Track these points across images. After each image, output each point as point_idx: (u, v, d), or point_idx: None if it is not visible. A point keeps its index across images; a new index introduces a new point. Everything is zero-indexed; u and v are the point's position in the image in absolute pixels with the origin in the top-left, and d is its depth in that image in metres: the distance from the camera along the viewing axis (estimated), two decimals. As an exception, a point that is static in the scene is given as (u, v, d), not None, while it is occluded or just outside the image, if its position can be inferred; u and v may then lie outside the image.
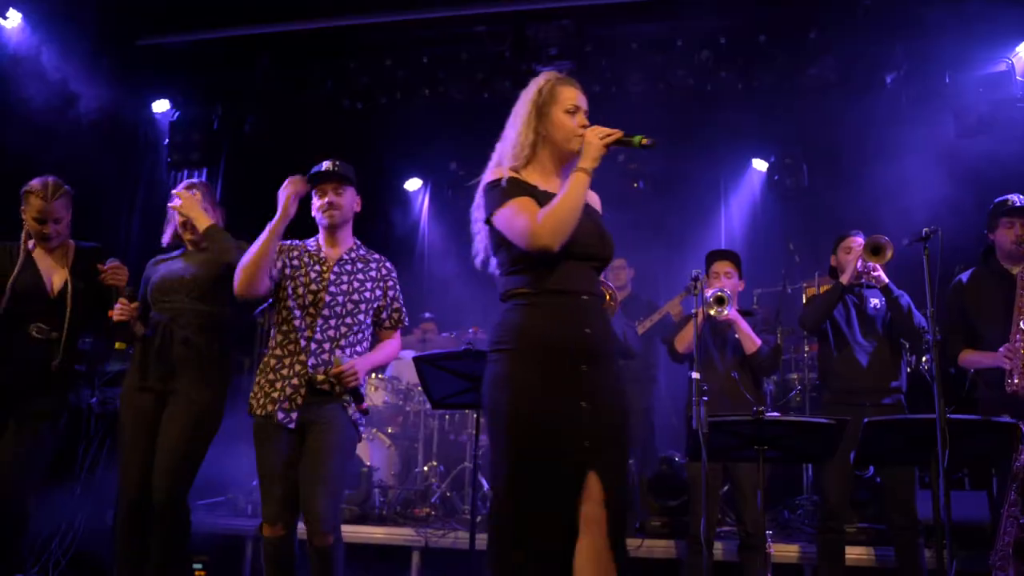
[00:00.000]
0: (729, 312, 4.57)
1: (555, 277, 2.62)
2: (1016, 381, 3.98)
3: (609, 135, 2.66)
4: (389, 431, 6.62)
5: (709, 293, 4.59)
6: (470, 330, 6.72)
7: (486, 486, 6.33)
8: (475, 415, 4.26)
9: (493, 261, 2.80)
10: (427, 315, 7.80)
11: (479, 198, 2.78)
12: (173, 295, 3.90)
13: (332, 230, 3.75)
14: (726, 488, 4.90)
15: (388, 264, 3.86)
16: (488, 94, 7.68)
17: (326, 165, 3.72)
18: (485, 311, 7.63)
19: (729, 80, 7.29)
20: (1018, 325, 4.00)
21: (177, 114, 8.07)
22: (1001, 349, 4.06)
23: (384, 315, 3.78)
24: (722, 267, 4.80)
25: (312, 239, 3.81)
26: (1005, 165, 5.87)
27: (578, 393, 2.55)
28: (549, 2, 6.91)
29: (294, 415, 3.48)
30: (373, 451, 6.27)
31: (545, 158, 2.81)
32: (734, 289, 4.74)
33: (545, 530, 2.47)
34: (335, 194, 3.70)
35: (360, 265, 3.75)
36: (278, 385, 3.52)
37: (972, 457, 4.22)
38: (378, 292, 3.75)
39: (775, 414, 3.87)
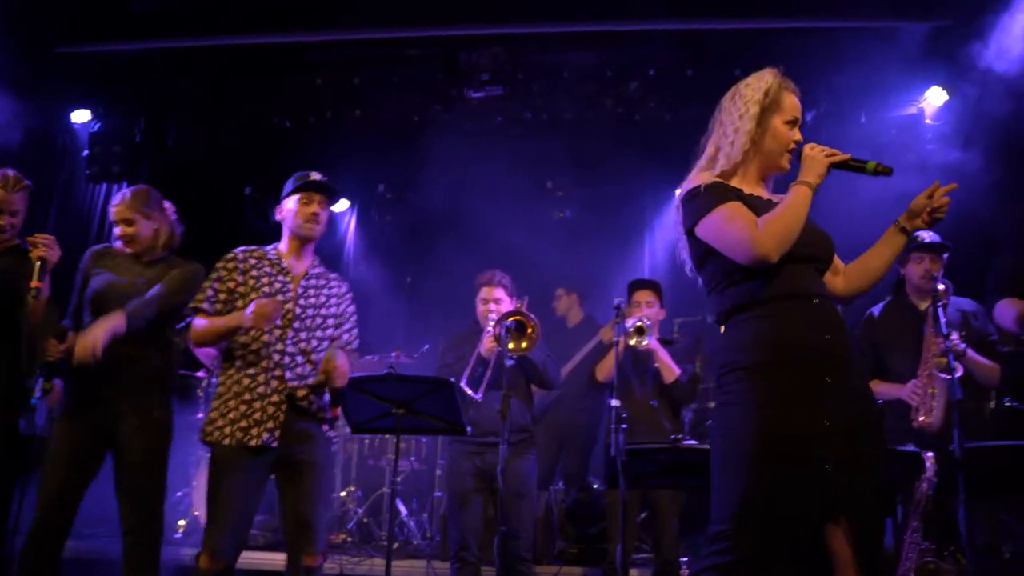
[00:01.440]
0: (649, 341, 4.63)
1: (781, 281, 2.42)
2: (922, 418, 4.10)
3: (834, 155, 2.51)
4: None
5: (630, 323, 4.63)
6: (392, 353, 6.66)
7: (403, 512, 6.26)
8: (395, 440, 4.20)
9: (699, 280, 2.63)
10: (348, 338, 7.71)
11: (677, 208, 2.63)
12: (117, 308, 3.60)
13: (304, 243, 3.63)
14: (644, 515, 4.93)
15: (346, 284, 3.80)
16: (418, 117, 7.67)
17: (316, 175, 3.61)
18: (408, 335, 7.59)
19: (657, 111, 7.43)
20: (926, 363, 4.13)
21: (98, 125, 7.85)
22: (909, 385, 4.18)
23: (339, 332, 3.68)
24: (644, 296, 4.87)
25: (271, 247, 3.66)
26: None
27: (822, 408, 2.31)
28: (482, 28, 6.94)
29: (277, 434, 3.34)
30: (290, 475, 6.14)
31: (753, 168, 2.63)
32: (655, 318, 4.80)
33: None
34: (322, 207, 3.60)
35: (323, 281, 3.67)
36: (257, 405, 3.35)
37: (879, 485, 4.33)
38: (339, 308, 3.69)
39: (692, 442, 3.92)
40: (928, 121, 6.73)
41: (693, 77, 7.16)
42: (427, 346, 7.06)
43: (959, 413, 3.79)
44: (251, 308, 3.30)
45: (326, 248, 9.28)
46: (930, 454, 3.95)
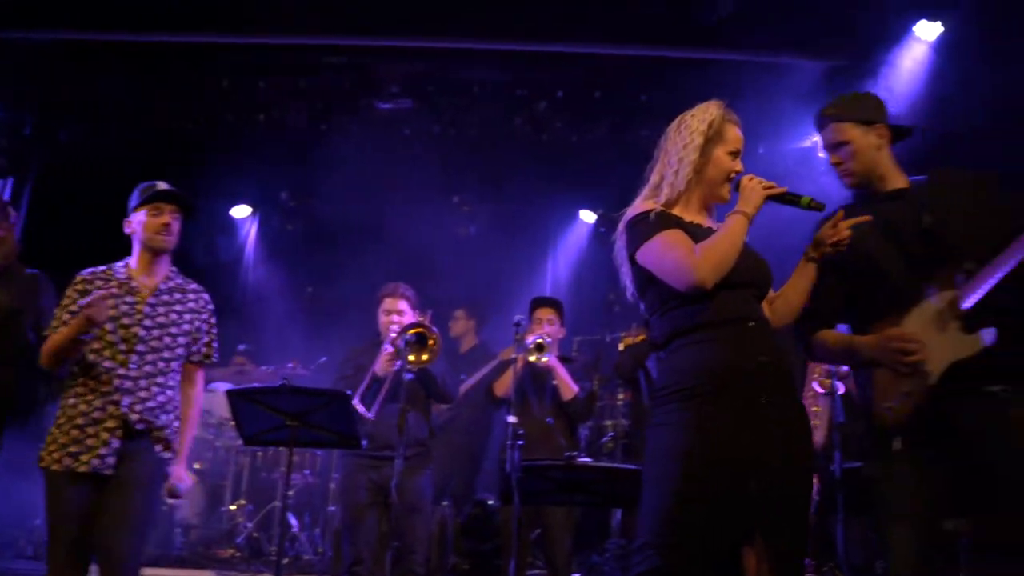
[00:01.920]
0: (549, 358, 4.66)
1: (718, 307, 2.44)
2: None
3: (771, 187, 2.52)
4: (196, 467, 6.30)
5: (530, 339, 4.66)
6: (288, 364, 6.53)
7: (295, 526, 6.13)
8: (289, 452, 4.11)
9: (642, 305, 2.62)
10: (242, 347, 7.52)
11: (621, 234, 2.62)
12: None
13: (156, 255, 3.47)
14: (537, 532, 4.95)
15: (206, 296, 3.62)
16: (325, 126, 7.58)
17: (163, 185, 3.44)
18: (307, 347, 7.45)
19: (564, 132, 7.54)
20: (810, 385, 4.29)
21: (-15, 118, 7.48)
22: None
23: (195, 348, 3.53)
24: (545, 314, 4.90)
25: (121, 263, 3.49)
26: (804, 233, 6.33)
27: (754, 432, 2.33)
28: (394, 40, 6.92)
29: (111, 460, 3.18)
30: (177, 488, 5.93)
31: (695, 197, 2.63)
32: (555, 336, 4.85)
33: None
34: (173, 217, 3.43)
35: (178, 295, 3.50)
36: (90, 431, 3.19)
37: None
38: (196, 324, 3.52)
39: (587, 460, 3.96)
40: (821, 154, 7.04)
41: (600, 100, 7.29)
42: (324, 358, 6.94)
43: (840, 434, 3.94)
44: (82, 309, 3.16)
45: (224, 254, 9.14)
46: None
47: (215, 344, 3.62)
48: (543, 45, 6.81)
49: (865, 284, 2.62)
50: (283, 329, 7.81)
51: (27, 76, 7.27)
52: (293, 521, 6.16)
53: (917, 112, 6.08)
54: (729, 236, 2.46)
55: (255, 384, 5.20)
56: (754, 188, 2.52)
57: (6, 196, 7.58)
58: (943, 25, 6.00)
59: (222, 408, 6.15)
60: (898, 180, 2.67)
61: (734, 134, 2.65)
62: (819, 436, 4.22)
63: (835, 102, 2.75)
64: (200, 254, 8.42)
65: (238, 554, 5.66)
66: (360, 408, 4.20)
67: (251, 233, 9.43)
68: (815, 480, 4.17)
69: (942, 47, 6.06)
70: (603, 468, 3.99)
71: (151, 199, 3.42)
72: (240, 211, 9.27)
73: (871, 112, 2.72)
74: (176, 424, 3.42)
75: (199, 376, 3.59)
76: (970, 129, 5.82)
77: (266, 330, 8.09)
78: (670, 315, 2.50)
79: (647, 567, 2.27)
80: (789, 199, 2.53)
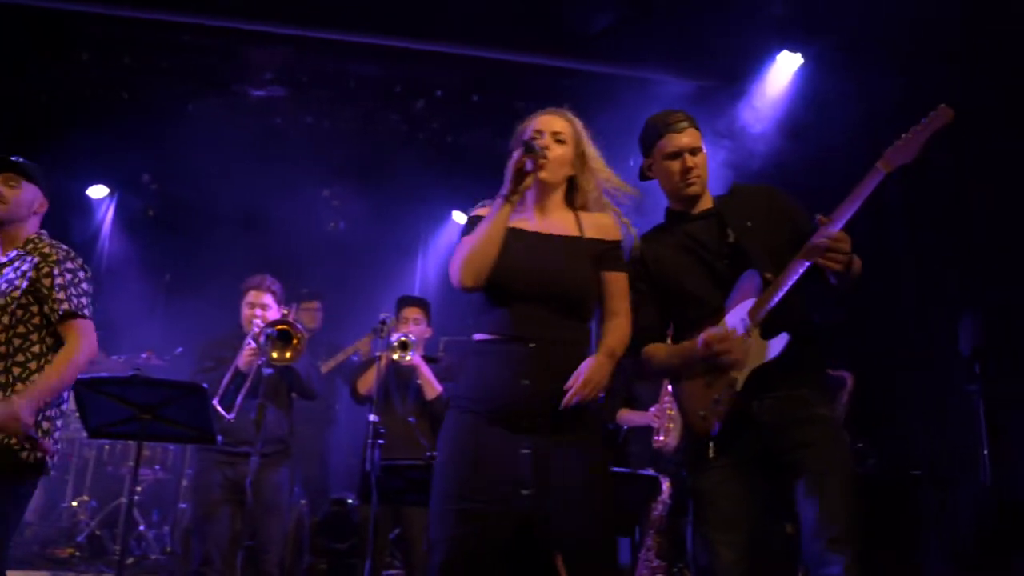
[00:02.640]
0: (413, 357, 4.66)
1: (496, 320, 2.44)
2: (662, 439, 4.43)
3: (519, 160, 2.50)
4: (35, 459, 5.95)
5: (394, 337, 4.65)
6: (143, 354, 6.27)
7: (142, 525, 5.89)
8: (138, 446, 3.95)
9: None
10: (93, 334, 7.16)
11: None
12: None
13: None
14: (396, 531, 4.93)
15: (47, 251, 3.22)
16: (192, 108, 7.31)
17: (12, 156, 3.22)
18: (163, 336, 7.18)
19: (439, 131, 7.54)
20: (666, 389, 4.45)
21: None
22: (652, 409, 4.50)
23: (56, 304, 3.13)
24: (411, 313, 4.90)
25: None
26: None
27: (514, 465, 2.34)
28: (270, 26, 6.73)
29: None
30: (12, 481, 5.59)
31: (529, 198, 2.65)
32: (420, 335, 4.85)
33: None
34: (8, 185, 3.18)
35: (17, 264, 3.19)
36: None
37: (620, 505, 4.60)
38: (36, 285, 3.14)
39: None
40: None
41: (478, 103, 7.33)
42: (180, 349, 6.70)
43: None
44: None
45: (78, 235, 8.69)
46: (666, 478, 4.26)
47: (76, 298, 3.21)
48: (423, 44, 6.79)
49: (675, 301, 2.70)
50: (138, 317, 7.48)
51: None
52: (140, 519, 5.92)
53: (779, 135, 6.41)
54: (483, 227, 2.47)
55: (104, 373, 4.96)
56: (509, 167, 2.52)
57: None
58: (803, 57, 6.36)
59: (67, 397, 5.84)
60: (707, 202, 2.76)
61: (532, 125, 2.69)
62: (672, 440, 4.38)
63: (686, 113, 2.78)
64: (51, 234, 7.96)
65: (78, 554, 5.39)
66: (219, 409, 4.08)
67: (108, 215, 8.99)
68: (665, 483, 4.34)
69: (802, 77, 6.42)
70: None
71: None
72: (97, 191, 8.84)
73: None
74: (49, 411, 3.12)
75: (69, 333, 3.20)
76: (827, 152, 6.20)
77: (120, 317, 7.72)
78: (474, 322, 2.55)
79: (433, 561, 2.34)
80: (528, 157, 2.51)
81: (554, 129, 2.64)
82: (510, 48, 6.82)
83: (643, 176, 2.86)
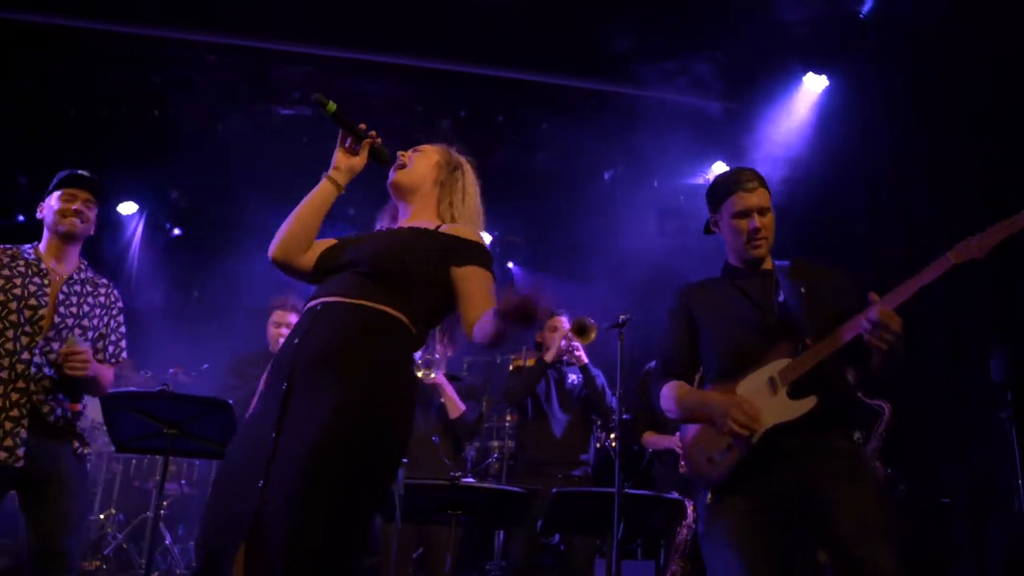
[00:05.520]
0: (436, 375, 4.67)
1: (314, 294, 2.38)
2: (687, 464, 4.39)
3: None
4: (63, 473, 6.02)
5: (417, 355, 4.66)
6: (170, 370, 6.32)
7: (168, 539, 5.92)
8: (164, 461, 3.98)
9: None
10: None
11: None
12: None
13: (67, 240, 3.32)
14: (419, 550, 4.93)
15: (116, 291, 3.49)
16: (221, 126, 7.41)
17: (83, 173, 3.36)
18: (191, 352, 7.23)
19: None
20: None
21: None
22: (678, 434, 4.47)
23: (101, 344, 3.38)
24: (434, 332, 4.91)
25: (29, 246, 3.33)
26: (696, 266, 6.56)
27: (272, 422, 2.11)
28: (296, 46, 6.83)
29: (20, 451, 2.98)
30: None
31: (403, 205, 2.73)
32: (443, 354, 4.86)
33: None
34: (86, 205, 3.33)
35: (89, 288, 3.36)
36: None
37: (645, 529, 4.58)
38: (105, 319, 3.39)
39: (471, 480, 3.98)
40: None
41: (503, 123, 7.38)
42: (207, 365, 6.75)
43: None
44: None
45: (108, 251, 8.79)
46: (691, 502, 4.23)
47: (123, 343, 3.50)
48: (447, 64, 6.86)
49: (712, 348, 2.73)
50: (166, 332, 7.55)
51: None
52: (166, 533, 5.95)
53: (802, 157, 6.40)
54: (303, 203, 2.50)
55: (132, 388, 5.01)
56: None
57: None
58: (828, 79, 6.35)
59: (94, 411, 5.89)
60: (767, 263, 2.79)
61: None
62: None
63: (755, 172, 2.78)
64: (82, 250, 8.08)
65: (105, 566, 5.43)
66: None
67: (137, 232, 9.11)
68: (690, 507, 4.31)
69: (828, 98, 6.41)
70: (487, 489, 4.01)
71: (65, 182, 3.33)
72: (127, 208, 8.96)
73: None
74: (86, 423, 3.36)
75: (110, 369, 3.45)
76: (847, 174, 6.17)
77: (148, 333, 7.80)
78: None
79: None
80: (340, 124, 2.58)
81: (416, 147, 2.74)
82: (535, 68, 6.87)
83: (707, 230, 2.89)
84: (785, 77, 6.45)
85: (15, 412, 3.04)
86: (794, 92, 6.46)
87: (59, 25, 6.57)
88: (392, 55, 6.85)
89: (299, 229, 2.44)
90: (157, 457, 5.80)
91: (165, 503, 5.12)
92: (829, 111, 6.42)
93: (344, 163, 2.56)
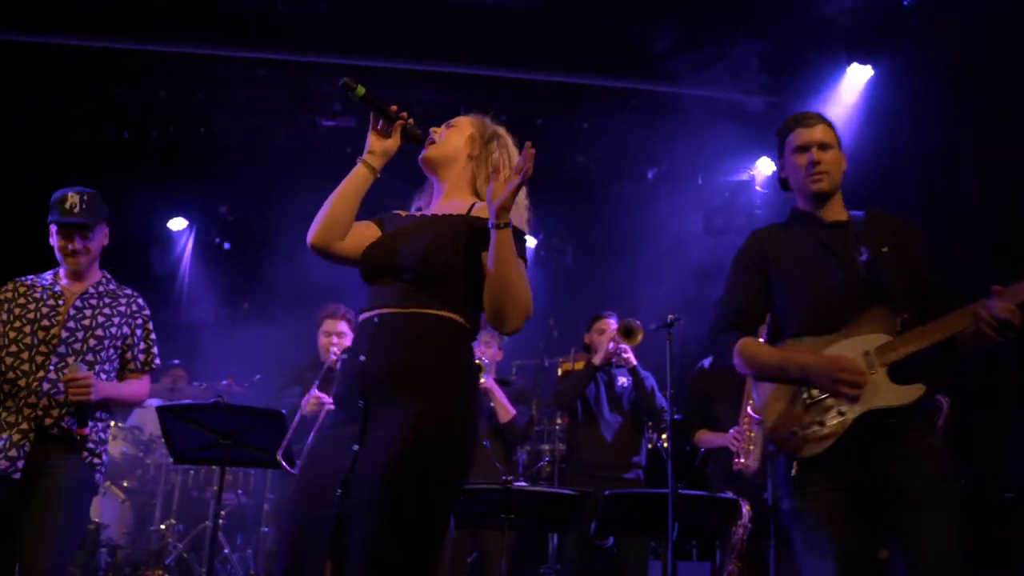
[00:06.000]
0: (486, 380, 4.68)
1: (366, 301, 2.34)
2: (742, 460, 4.34)
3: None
4: (124, 485, 6.14)
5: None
6: (224, 381, 6.41)
7: (227, 548, 6.01)
8: (221, 471, 4.04)
9: None
10: (176, 362, 7.38)
11: None
12: None
13: (75, 272, 3.40)
14: (474, 556, 4.94)
15: (140, 300, 3.53)
16: (265, 140, 7.52)
17: (72, 202, 3.30)
18: (243, 363, 7.34)
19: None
20: (746, 410, 4.38)
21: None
22: (731, 431, 4.42)
23: (130, 355, 3.44)
24: (483, 336, 4.93)
25: (51, 272, 3.44)
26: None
27: (354, 435, 2.14)
28: (336, 57, 6.90)
29: (20, 464, 3.07)
30: (104, 506, 5.77)
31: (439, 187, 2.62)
32: (492, 358, 4.87)
33: None
34: (82, 240, 3.34)
35: (108, 300, 3.41)
36: (3, 434, 3.10)
37: (699, 529, 4.53)
38: (126, 329, 3.42)
39: (523, 484, 3.98)
40: (758, 188, 7.23)
41: (543, 127, 7.38)
42: (259, 375, 6.84)
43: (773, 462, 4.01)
44: None
45: (159, 267, 8.97)
46: (746, 501, 4.18)
47: (154, 350, 3.53)
48: (486, 70, 6.88)
49: (790, 300, 2.57)
50: (218, 345, 7.68)
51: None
52: (224, 542, 6.04)
53: (849, 150, 6.30)
54: (339, 188, 2.43)
55: (187, 400, 5.10)
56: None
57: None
58: (873, 69, 6.24)
59: (153, 425, 6.01)
60: (841, 213, 2.65)
61: None
62: (752, 462, 4.30)
63: (820, 115, 2.70)
64: (134, 266, 8.26)
65: (167, 575, 5.52)
66: (283, 464, 4.06)
67: (188, 247, 9.28)
68: (745, 506, 4.25)
69: (873, 89, 6.30)
70: (539, 492, 4.01)
71: (55, 221, 3.34)
72: (176, 223, 9.14)
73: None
74: (104, 435, 3.32)
75: (141, 379, 3.49)
76: (896, 166, 6.06)
77: (201, 346, 7.94)
78: None
79: None
80: (370, 104, 2.49)
81: (449, 121, 2.61)
82: (573, 70, 6.86)
83: (782, 184, 2.78)
84: (828, 69, 6.35)
85: (24, 425, 3.13)
86: (838, 83, 6.37)
87: (105, 46, 6.72)
88: (431, 63, 6.89)
89: (336, 214, 2.39)
90: (214, 468, 5.89)
91: (223, 512, 5.19)
92: (875, 102, 6.31)
93: (378, 146, 2.48)
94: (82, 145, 7.54)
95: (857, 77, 6.31)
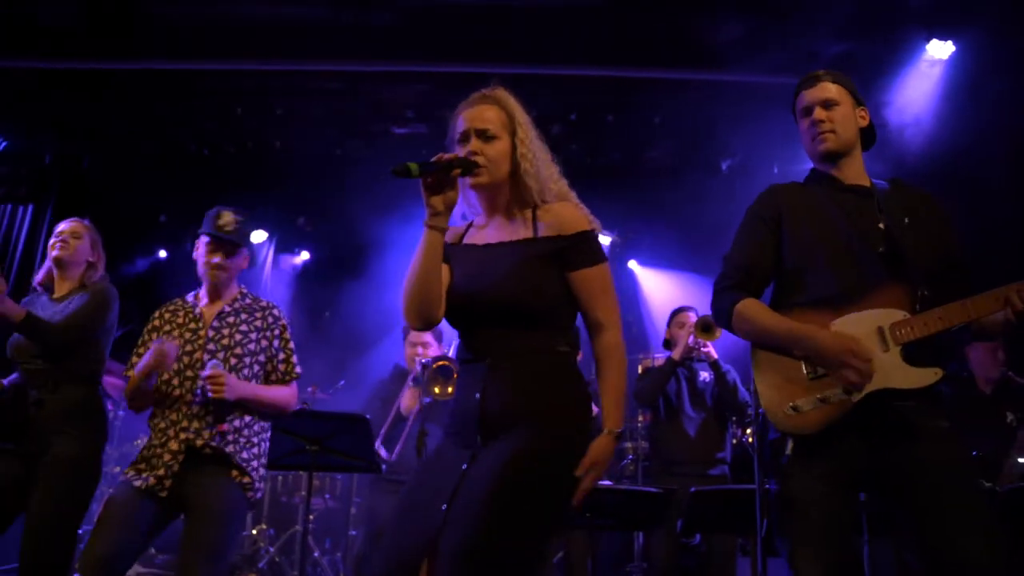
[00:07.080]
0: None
1: (461, 346, 2.32)
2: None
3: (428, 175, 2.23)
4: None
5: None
6: (308, 389, 6.55)
7: (316, 552, 6.13)
8: (308, 476, 4.13)
9: None
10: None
11: None
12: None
13: (214, 286, 3.50)
14: (559, 555, 4.94)
15: (276, 312, 3.58)
16: (340, 151, 7.65)
17: (227, 220, 3.45)
18: (327, 371, 7.48)
19: (578, 154, 7.57)
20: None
21: (4, 144, 7.58)
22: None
23: (271, 366, 3.48)
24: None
25: (192, 293, 3.55)
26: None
27: (465, 457, 2.17)
28: (406, 65, 6.98)
29: (168, 483, 3.16)
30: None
31: (483, 207, 2.45)
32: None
33: None
34: (226, 257, 3.45)
35: (244, 316, 3.46)
36: (157, 451, 3.21)
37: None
38: (263, 343, 3.46)
39: (607, 482, 3.96)
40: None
41: (612, 123, 7.33)
42: (342, 382, 6.96)
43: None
44: (149, 352, 3.20)
45: (241, 279, 9.18)
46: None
47: (294, 359, 3.57)
48: (554, 68, 6.86)
49: (801, 263, 2.41)
50: (301, 354, 7.81)
51: (45, 103, 7.36)
52: (313, 545, 6.17)
53: (926, 131, 6.10)
54: (412, 263, 2.24)
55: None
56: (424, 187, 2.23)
57: (26, 223, 7.69)
58: (954, 44, 6.03)
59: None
60: (862, 177, 2.50)
61: (457, 125, 2.41)
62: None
63: (828, 70, 2.57)
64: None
65: (259, 579, 5.67)
66: (382, 451, 4.22)
67: (268, 258, 9.50)
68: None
69: (954, 66, 6.09)
70: (624, 491, 3.99)
71: (207, 233, 3.46)
72: (257, 236, 9.35)
73: (860, 96, 2.57)
74: (248, 453, 3.34)
75: (289, 387, 3.55)
76: (981, 141, 5.83)
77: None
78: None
79: None
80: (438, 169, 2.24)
81: (479, 127, 2.36)
82: (641, 64, 6.79)
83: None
84: (908, 46, 6.15)
85: (173, 445, 3.21)
86: (918, 61, 6.16)
87: (188, 69, 6.93)
88: (498, 65, 6.90)
89: (428, 293, 2.23)
90: (301, 473, 6.01)
91: (312, 517, 5.29)
92: (957, 78, 6.09)
93: (439, 203, 2.24)
94: (171, 166, 7.80)
95: (937, 53, 6.09)
